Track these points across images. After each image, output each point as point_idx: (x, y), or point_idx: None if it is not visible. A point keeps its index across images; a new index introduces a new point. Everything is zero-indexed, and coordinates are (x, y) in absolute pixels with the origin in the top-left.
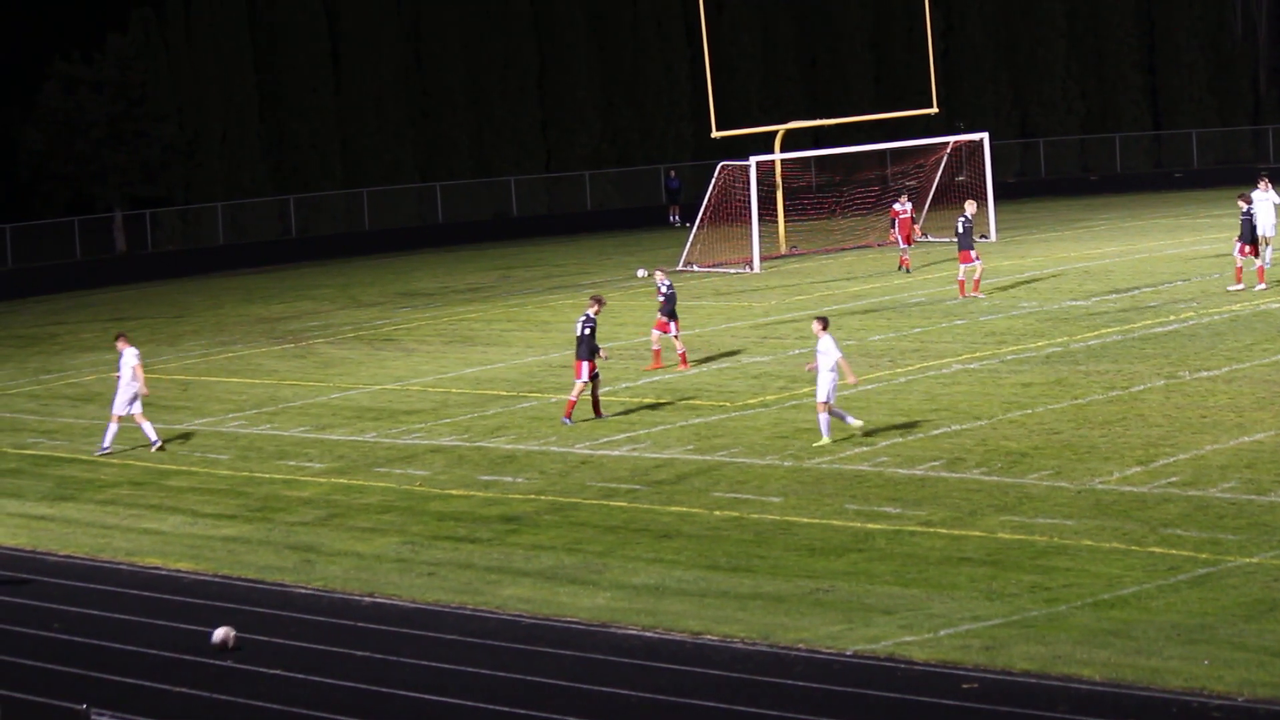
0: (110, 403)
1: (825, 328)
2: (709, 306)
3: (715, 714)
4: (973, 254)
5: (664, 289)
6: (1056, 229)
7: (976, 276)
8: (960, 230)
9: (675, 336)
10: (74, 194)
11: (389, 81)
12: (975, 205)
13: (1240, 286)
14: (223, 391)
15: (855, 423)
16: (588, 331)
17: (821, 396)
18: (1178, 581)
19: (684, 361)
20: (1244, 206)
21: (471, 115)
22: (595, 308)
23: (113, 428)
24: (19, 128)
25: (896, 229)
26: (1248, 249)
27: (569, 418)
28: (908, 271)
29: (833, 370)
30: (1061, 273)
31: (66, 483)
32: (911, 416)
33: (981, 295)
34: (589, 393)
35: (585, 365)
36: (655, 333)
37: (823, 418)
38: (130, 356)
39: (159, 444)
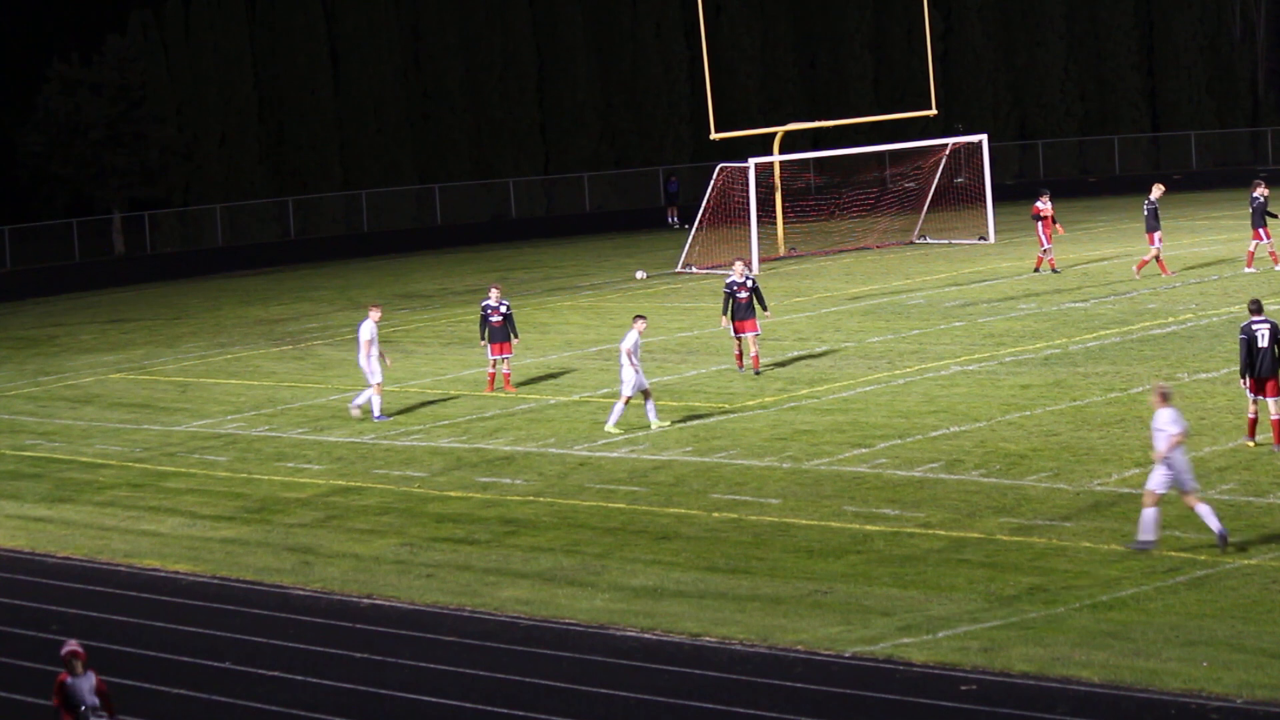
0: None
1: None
2: (707, 308)
3: (714, 716)
4: (1156, 237)
5: (503, 308)
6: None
7: (1145, 258)
8: (1146, 213)
9: (505, 359)
10: (73, 196)
11: (388, 83)
12: (1162, 189)
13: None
14: (221, 393)
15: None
16: (741, 294)
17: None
18: (1176, 583)
19: (508, 383)
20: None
21: (470, 117)
22: (741, 266)
23: (370, 395)
24: (18, 130)
25: (1040, 228)
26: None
27: (742, 367)
28: (1055, 271)
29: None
30: (1060, 274)
31: (65, 484)
32: (910, 418)
33: (1138, 277)
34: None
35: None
36: (494, 356)
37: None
38: (366, 329)
39: (381, 417)
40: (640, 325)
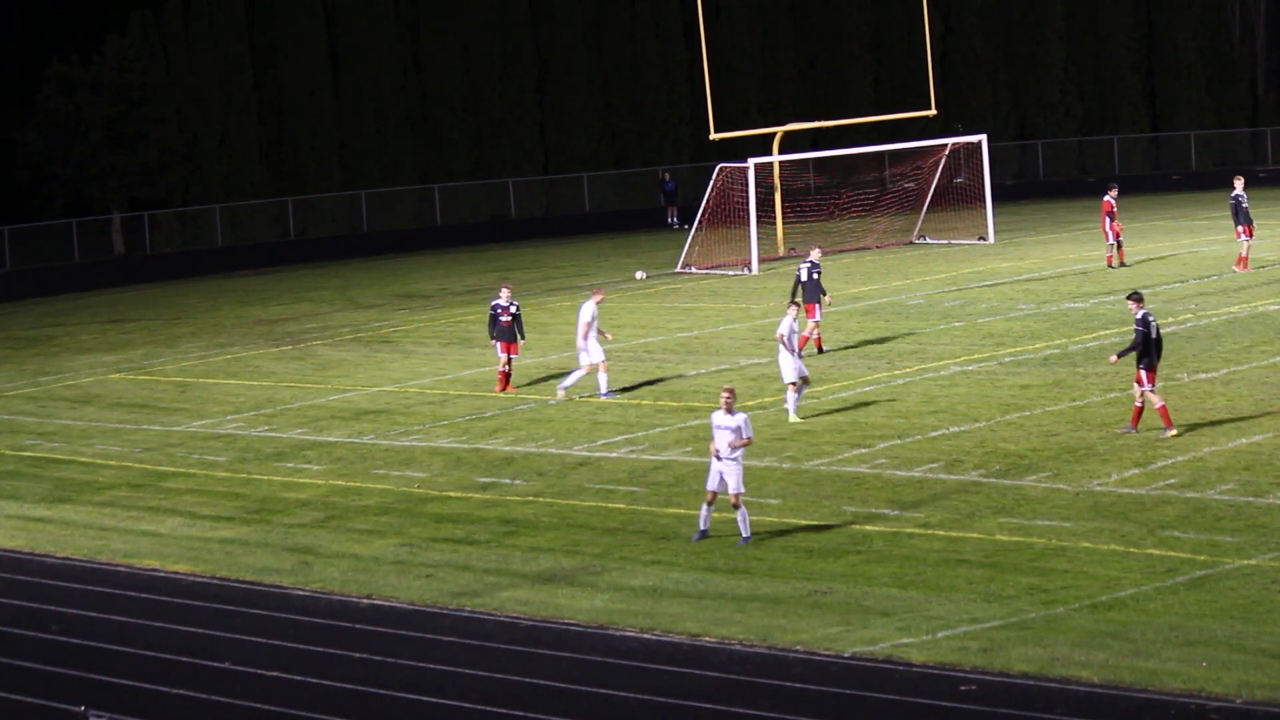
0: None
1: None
2: (706, 308)
3: (713, 716)
4: (1243, 231)
5: (513, 308)
6: (1054, 231)
7: (1243, 254)
8: (1231, 206)
9: (510, 359)
10: (73, 196)
11: (387, 83)
12: (1244, 180)
13: None
14: (220, 393)
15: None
16: (815, 276)
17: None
18: (1176, 583)
19: (508, 383)
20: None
21: (470, 117)
22: (818, 253)
23: (579, 375)
24: (18, 130)
25: (1108, 223)
26: None
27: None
28: (1123, 265)
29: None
30: (1059, 274)
31: (64, 485)
32: (909, 418)
33: (1238, 270)
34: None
35: (816, 307)
36: (503, 355)
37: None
38: (587, 311)
39: (608, 394)
40: (793, 312)
